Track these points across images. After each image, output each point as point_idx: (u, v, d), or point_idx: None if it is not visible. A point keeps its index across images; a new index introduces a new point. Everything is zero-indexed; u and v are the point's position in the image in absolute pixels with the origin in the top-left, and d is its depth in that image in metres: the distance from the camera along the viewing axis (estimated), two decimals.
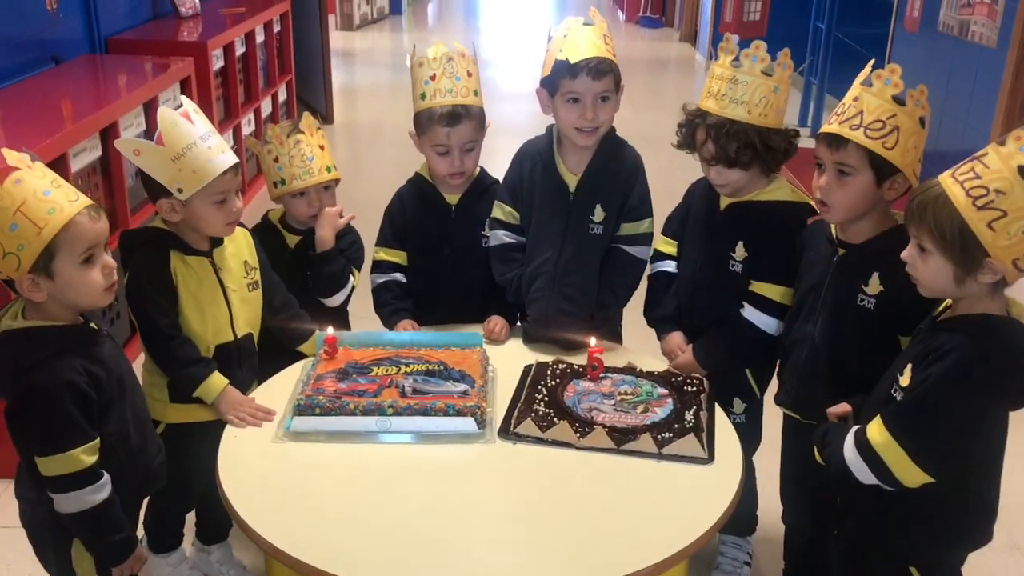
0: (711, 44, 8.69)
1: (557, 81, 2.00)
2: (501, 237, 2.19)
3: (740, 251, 1.97)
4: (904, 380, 1.51)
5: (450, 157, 2.14)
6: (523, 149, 2.22)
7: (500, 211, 2.19)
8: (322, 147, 2.16)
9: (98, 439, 1.58)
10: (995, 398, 1.48)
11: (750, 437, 2.06)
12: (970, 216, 1.41)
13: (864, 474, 1.52)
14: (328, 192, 2.18)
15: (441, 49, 2.12)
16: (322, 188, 2.16)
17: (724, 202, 1.99)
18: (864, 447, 1.52)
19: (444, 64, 2.10)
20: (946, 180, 1.46)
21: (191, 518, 2.20)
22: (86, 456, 1.55)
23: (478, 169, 2.27)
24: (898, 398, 1.52)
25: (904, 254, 1.54)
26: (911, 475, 1.49)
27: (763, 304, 1.94)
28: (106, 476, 1.59)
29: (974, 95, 3.53)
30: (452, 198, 2.23)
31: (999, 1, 3.37)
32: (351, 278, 2.21)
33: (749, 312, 1.96)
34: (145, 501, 1.94)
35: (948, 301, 1.55)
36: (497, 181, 2.28)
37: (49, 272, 1.52)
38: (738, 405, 2.06)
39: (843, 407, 1.71)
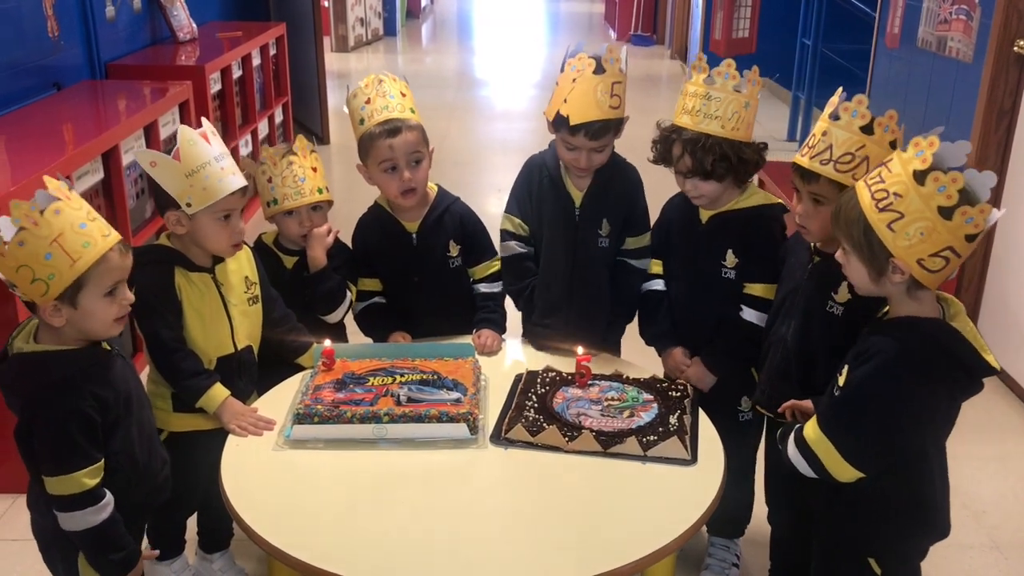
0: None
1: (558, 126, 2.08)
2: (513, 247, 2.25)
3: (731, 258, 2.06)
4: (841, 380, 1.59)
5: (398, 172, 2.15)
6: (531, 162, 2.29)
7: (510, 223, 2.26)
8: (315, 169, 2.21)
9: (102, 461, 1.63)
10: (919, 395, 1.53)
11: (757, 432, 2.14)
12: (872, 218, 1.50)
13: (805, 469, 1.61)
14: (319, 213, 2.21)
15: (372, 76, 2.18)
16: (312, 209, 2.20)
17: (705, 215, 2.07)
18: (801, 443, 1.61)
19: (376, 86, 2.16)
20: (859, 185, 1.55)
21: (193, 527, 2.24)
22: (87, 479, 1.60)
23: (434, 188, 2.30)
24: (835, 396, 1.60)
25: (836, 255, 1.63)
26: (842, 470, 1.57)
27: (759, 304, 2.03)
28: (108, 497, 1.64)
29: (952, 108, 3.62)
30: (411, 225, 2.25)
31: (974, 18, 3.46)
32: (348, 293, 2.25)
33: (748, 314, 2.04)
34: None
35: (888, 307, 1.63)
36: (458, 199, 2.33)
37: (74, 302, 1.57)
38: (745, 404, 2.12)
39: (792, 404, 1.79)
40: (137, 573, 1.72)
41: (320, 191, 2.20)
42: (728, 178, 1.99)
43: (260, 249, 2.25)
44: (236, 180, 1.89)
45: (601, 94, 2.01)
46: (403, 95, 2.19)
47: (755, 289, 2.04)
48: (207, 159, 1.84)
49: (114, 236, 1.62)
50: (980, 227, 1.46)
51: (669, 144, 2.01)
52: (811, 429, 1.60)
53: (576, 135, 2.03)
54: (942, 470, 1.65)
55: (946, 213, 1.45)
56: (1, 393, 1.67)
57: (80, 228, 1.56)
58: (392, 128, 2.13)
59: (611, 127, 2.05)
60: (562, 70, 2.08)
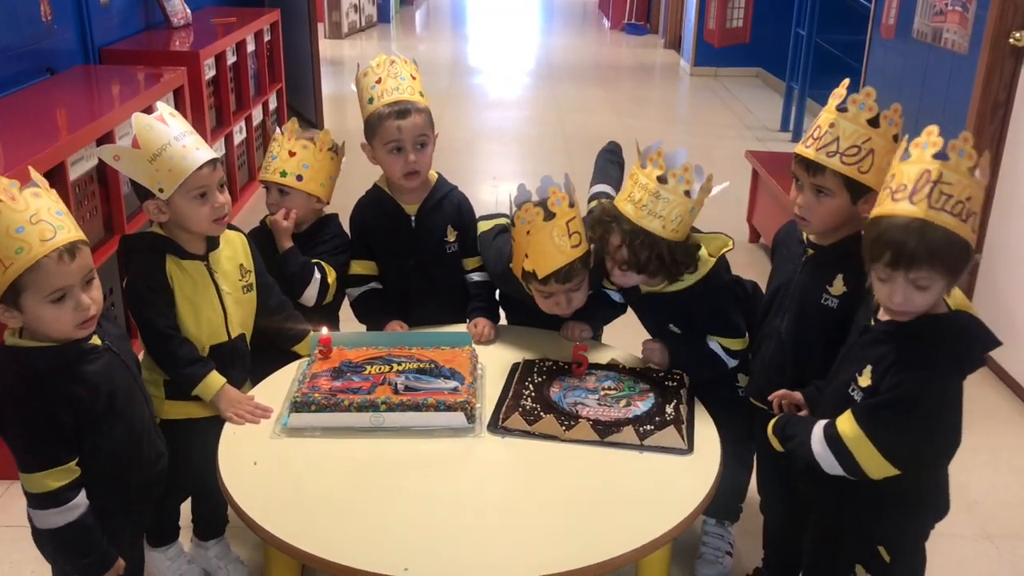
0: (695, 51, 8.79)
1: (528, 280, 2.05)
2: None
3: (673, 328, 2.09)
4: (864, 380, 1.58)
5: (404, 154, 2.17)
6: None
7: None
8: (292, 153, 2.23)
9: (71, 463, 1.61)
10: (959, 390, 1.56)
11: (751, 409, 2.14)
12: (965, 234, 1.46)
13: (832, 466, 1.60)
14: (288, 196, 2.25)
15: (383, 56, 2.21)
16: (280, 191, 2.25)
17: (643, 288, 2.06)
18: (834, 440, 1.59)
19: (388, 67, 2.18)
20: (943, 216, 1.46)
21: (187, 515, 2.25)
22: (52, 480, 1.59)
23: (435, 175, 2.32)
24: (857, 398, 1.59)
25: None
26: (878, 468, 1.56)
27: (723, 349, 2.02)
28: (76, 499, 1.62)
29: (947, 99, 3.63)
30: (411, 208, 2.27)
31: (970, 9, 3.46)
32: (316, 272, 2.24)
33: (714, 345, 2.03)
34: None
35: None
36: (455, 187, 2.34)
37: (18, 306, 1.54)
38: (742, 379, 2.12)
39: (783, 393, 1.80)
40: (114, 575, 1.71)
41: (283, 174, 2.24)
42: (660, 275, 1.98)
43: (261, 230, 2.27)
44: (202, 154, 1.85)
45: (558, 239, 1.97)
46: (413, 78, 2.21)
47: (715, 339, 2.03)
48: (166, 140, 1.81)
49: (58, 239, 1.52)
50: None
51: (608, 229, 1.96)
52: (847, 426, 1.57)
53: (548, 284, 2.02)
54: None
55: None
56: None
57: (16, 232, 1.49)
58: (402, 110, 2.15)
59: (578, 266, 2.01)
60: (512, 223, 2.08)
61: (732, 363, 2.03)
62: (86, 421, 1.62)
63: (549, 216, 1.98)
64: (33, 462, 1.59)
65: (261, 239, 2.21)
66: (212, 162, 1.87)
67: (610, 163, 2.45)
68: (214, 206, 1.88)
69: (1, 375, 1.60)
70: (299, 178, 2.24)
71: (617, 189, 2.31)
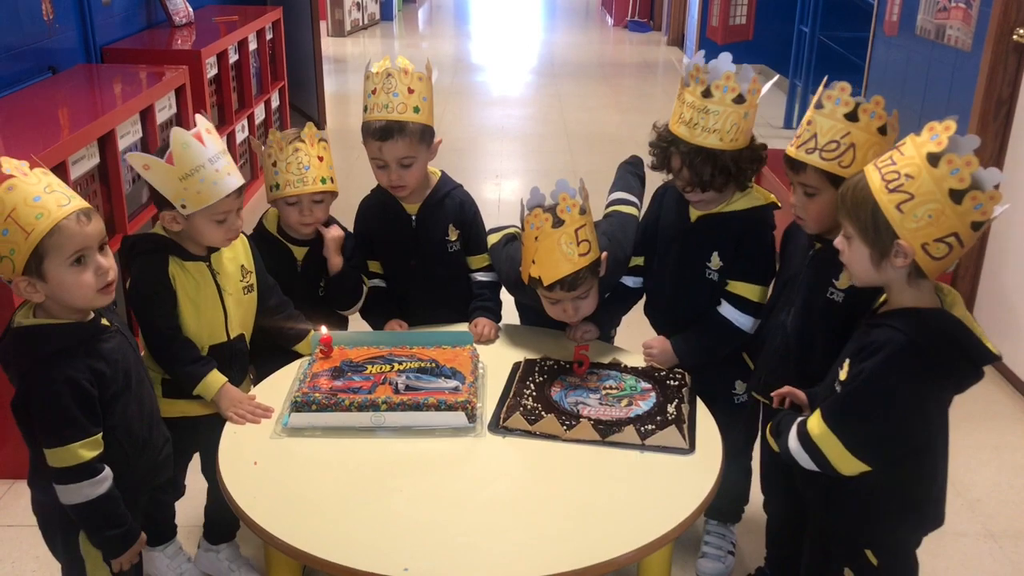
0: (698, 48, 8.77)
1: (534, 286, 2.04)
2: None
3: (715, 260, 2.04)
4: (843, 374, 1.59)
5: (387, 171, 2.16)
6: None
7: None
8: (321, 158, 2.17)
9: (99, 435, 1.63)
10: (927, 388, 1.54)
11: (751, 417, 2.14)
12: (881, 199, 1.49)
13: (807, 463, 1.61)
14: (321, 205, 2.19)
15: (384, 65, 2.12)
16: (315, 201, 2.17)
17: (695, 214, 2.06)
18: (804, 438, 1.60)
19: (383, 80, 2.11)
20: (869, 168, 1.54)
21: (188, 517, 2.26)
22: (85, 451, 1.60)
23: (437, 173, 2.30)
24: (839, 391, 1.60)
25: (836, 242, 1.62)
26: (847, 464, 1.57)
27: (739, 303, 2.02)
28: (106, 471, 1.64)
29: (950, 97, 3.61)
30: (412, 208, 2.26)
31: (973, 6, 3.45)
32: (363, 286, 2.28)
33: (725, 309, 2.03)
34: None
35: (884, 296, 1.63)
36: (460, 185, 2.33)
37: (41, 274, 1.57)
38: (740, 386, 2.12)
39: (787, 390, 1.79)
40: (136, 551, 1.73)
41: (324, 181, 2.16)
42: (730, 186, 1.98)
43: (267, 239, 2.23)
44: (231, 181, 1.87)
45: (566, 246, 1.95)
46: (410, 91, 2.11)
47: (737, 287, 2.02)
48: (201, 162, 1.82)
49: (74, 204, 1.59)
50: (988, 214, 1.46)
51: (667, 154, 1.98)
52: (814, 423, 1.60)
53: (553, 291, 2.01)
54: (944, 462, 1.66)
55: (956, 197, 1.45)
56: (2, 374, 1.67)
57: (34, 201, 1.55)
58: (385, 131, 2.10)
59: (585, 275, 2.00)
60: (521, 228, 2.06)
61: (747, 326, 2.02)
62: (108, 396, 1.65)
63: (558, 223, 1.95)
64: (66, 433, 1.60)
65: (272, 251, 2.19)
66: (239, 190, 1.89)
67: (631, 174, 2.42)
68: (230, 228, 1.91)
69: (19, 356, 1.62)
70: (332, 179, 2.21)
71: (637, 197, 2.31)
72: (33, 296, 1.59)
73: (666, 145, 1.97)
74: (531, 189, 2.06)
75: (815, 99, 1.74)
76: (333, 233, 2.21)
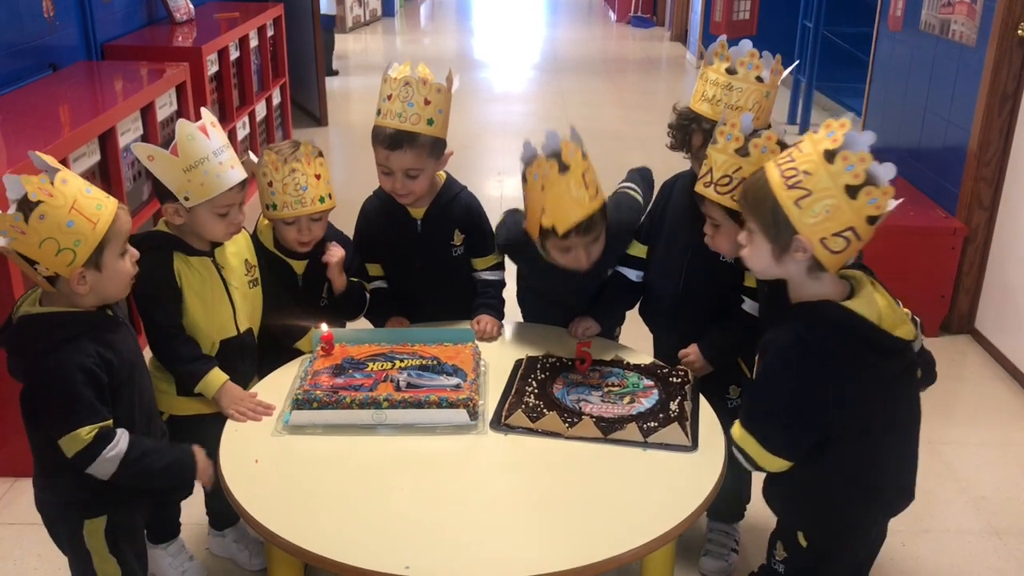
0: (701, 43, 8.75)
1: (546, 238, 1.97)
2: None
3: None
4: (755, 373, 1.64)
5: (392, 178, 2.13)
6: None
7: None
8: (318, 176, 2.07)
9: (110, 420, 1.63)
10: (824, 381, 1.55)
11: None
12: (781, 195, 1.53)
13: (743, 463, 1.66)
14: (319, 223, 2.12)
15: (404, 71, 2.07)
16: (313, 218, 2.09)
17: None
18: (731, 440, 1.67)
19: (401, 87, 2.05)
20: (770, 165, 1.57)
21: (201, 519, 2.27)
22: (86, 433, 1.60)
23: (443, 176, 2.25)
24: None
25: (739, 237, 1.65)
26: (769, 462, 1.62)
27: (754, 294, 2.00)
28: (119, 432, 1.64)
29: (955, 92, 3.60)
30: (417, 212, 2.22)
31: (978, 1, 3.43)
32: (366, 295, 2.28)
33: (749, 305, 2.02)
34: None
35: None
36: (465, 188, 2.29)
37: (98, 265, 1.60)
38: (733, 391, 2.12)
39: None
40: (206, 470, 1.76)
41: (323, 200, 2.08)
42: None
43: (265, 256, 2.16)
44: (235, 174, 1.87)
45: (576, 191, 1.89)
46: (427, 103, 2.05)
47: (751, 280, 2.01)
48: (205, 154, 1.82)
49: (113, 198, 1.65)
50: (882, 209, 1.50)
51: (688, 132, 1.98)
52: (736, 426, 1.66)
53: (568, 238, 1.95)
54: (902, 446, 1.67)
55: (852, 192, 1.49)
56: (3, 374, 1.66)
57: (87, 193, 1.59)
58: (394, 140, 2.07)
59: (597, 217, 1.96)
60: (523, 180, 1.97)
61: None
62: (116, 385, 1.66)
63: (564, 168, 1.87)
64: (77, 416, 1.59)
65: (272, 267, 2.15)
66: (242, 183, 1.89)
67: (639, 176, 2.38)
68: (231, 222, 1.91)
69: (30, 343, 1.62)
70: (330, 195, 2.13)
71: (646, 193, 2.28)
72: (80, 288, 1.61)
73: (687, 123, 1.98)
74: (524, 143, 1.97)
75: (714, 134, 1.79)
76: (334, 259, 2.15)
